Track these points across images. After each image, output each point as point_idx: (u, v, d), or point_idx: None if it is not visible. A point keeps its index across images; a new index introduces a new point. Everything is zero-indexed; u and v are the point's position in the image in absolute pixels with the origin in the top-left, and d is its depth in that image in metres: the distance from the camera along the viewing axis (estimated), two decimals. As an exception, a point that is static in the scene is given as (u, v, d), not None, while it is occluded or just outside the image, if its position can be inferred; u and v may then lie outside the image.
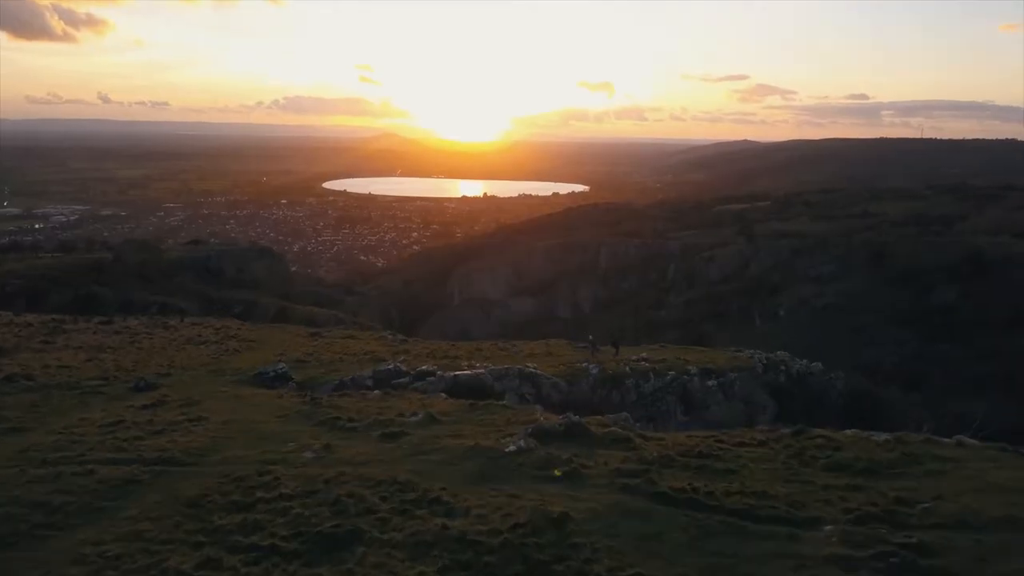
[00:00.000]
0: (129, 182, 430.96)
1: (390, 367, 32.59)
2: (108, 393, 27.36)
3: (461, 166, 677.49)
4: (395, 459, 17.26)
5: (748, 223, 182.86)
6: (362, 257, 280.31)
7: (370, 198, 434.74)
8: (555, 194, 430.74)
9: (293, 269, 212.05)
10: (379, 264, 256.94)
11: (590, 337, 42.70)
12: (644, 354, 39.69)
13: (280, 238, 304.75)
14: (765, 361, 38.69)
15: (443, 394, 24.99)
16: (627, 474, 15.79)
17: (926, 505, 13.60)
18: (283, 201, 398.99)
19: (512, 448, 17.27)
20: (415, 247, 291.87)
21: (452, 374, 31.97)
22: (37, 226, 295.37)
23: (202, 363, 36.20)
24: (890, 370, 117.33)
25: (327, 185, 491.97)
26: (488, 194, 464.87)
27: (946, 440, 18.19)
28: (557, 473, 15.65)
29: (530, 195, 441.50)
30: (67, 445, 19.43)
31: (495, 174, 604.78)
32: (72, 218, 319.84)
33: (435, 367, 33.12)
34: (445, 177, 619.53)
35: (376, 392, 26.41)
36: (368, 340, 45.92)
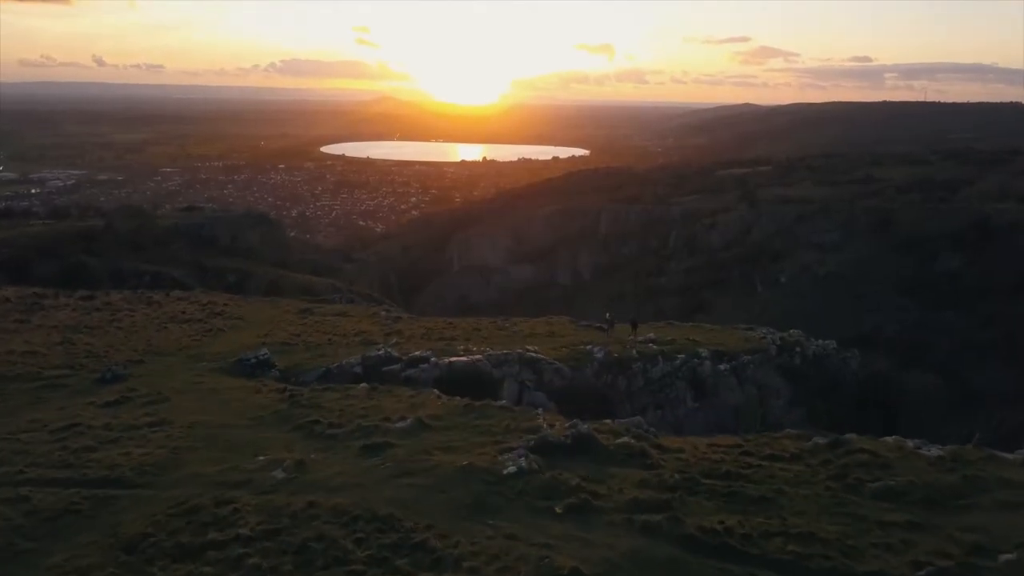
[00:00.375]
0: (126, 146, 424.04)
1: (380, 353, 30.11)
2: (71, 386, 24.90)
3: (460, 129, 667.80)
4: (376, 482, 14.82)
5: (750, 188, 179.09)
6: (360, 222, 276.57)
7: (368, 162, 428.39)
8: (555, 158, 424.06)
9: (292, 235, 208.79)
10: (378, 229, 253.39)
11: (608, 315, 39.95)
12: (651, 334, 37.17)
13: (278, 203, 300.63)
14: (779, 342, 36.24)
15: (435, 391, 22.54)
16: (646, 507, 13.37)
17: (1009, 556, 11.21)
18: (281, 166, 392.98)
19: (511, 469, 14.82)
20: (414, 212, 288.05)
21: (447, 360, 29.51)
22: (34, 191, 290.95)
23: (181, 346, 33.70)
24: (893, 338, 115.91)
25: (325, 149, 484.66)
26: (487, 158, 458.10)
27: (1009, 457, 15.74)
28: (559, 511, 13.19)
29: (530, 159, 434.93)
30: (7, 458, 17.00)
31: (494, 137, 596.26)
32: (69, 183, 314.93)
33: (429, 352, 30.65)
34: (444, 141, 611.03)
35: (363, 386, 23.94)
36: (360, 318, 43.36)
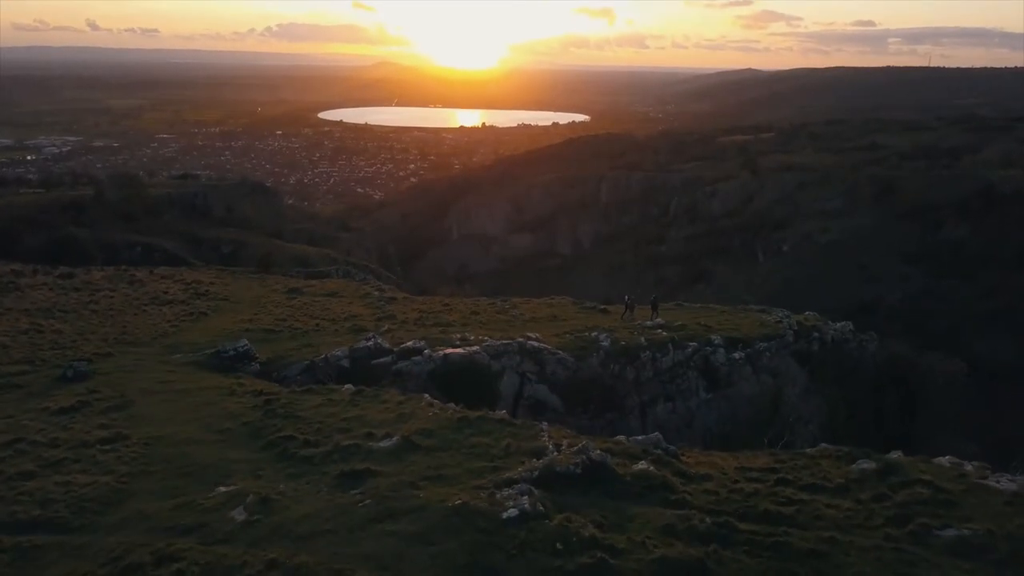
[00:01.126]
0: (121, 112, 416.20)
1: (369, 343, 27.56)
2: (27, 387, 22.38)
3: (459, 94, 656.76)
4: (352, 528, 12.35)
5: (752, 156, 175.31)
6: (359, 190, 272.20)
7: (366, 128, 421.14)
8: (555, 124, 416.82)
9: (289, 202, 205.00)
10: (376, 197, 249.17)
11: (627, 297, 37.37)
12: (659, 319, 34.60)
13: (276, 170, 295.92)
14: (795, 327, 33.70)
15: (426, 397, 20.01)
16: (677, 567, 10.91)
17: None
18: (278, 132, 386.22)
19: (512, 512, 12.36)
20: (412, 179, 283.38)
21: (442, 353, 26.98)
22: (29, 158, 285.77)
23: (157, 333, 31.15)
24: (894, 307, 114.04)
25: (323, 115, 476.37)
26: (486, 124, 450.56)
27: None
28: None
29: (529, 125, 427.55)
30: (-71, 488, 14.51)
31: (493, 103, 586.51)
32: (64, 149, 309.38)
33: (422, 342, 28.11)
34: (442, 106, 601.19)
35: (347, 388, 21.42)
36: (351, 299, 40.73)
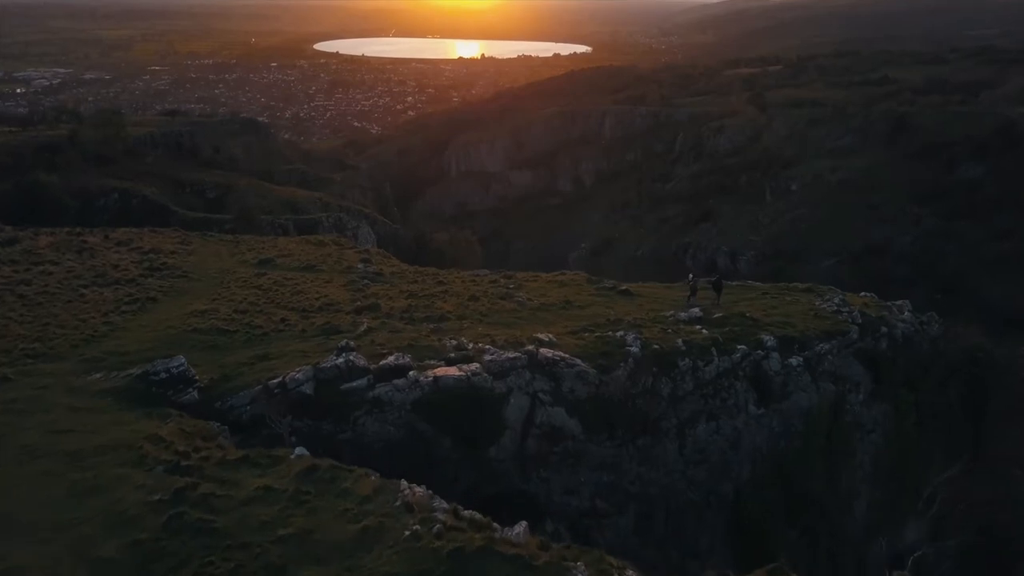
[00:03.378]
0: (112, 43, 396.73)
1: (340, 361, 21.04)
2: None
3: (457, 25, 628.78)
4: None
5: (759, 90, 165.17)
6: (356, 124, 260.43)
7: (363, 60, 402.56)
8: (556, 55, 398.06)
9: (286, 136, 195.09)
10: (373, 131, 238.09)
11: (690, 276, 31.28)
12: (696, 308, 28.00)
13: (271, 103, 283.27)
14: (860, 321, 27.14)
15: (403, 492, 13.63)
16: None
17: None
18: (273, 64, 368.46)
19: None
20: (410, 113, 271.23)
21: (431, 376, 20.55)
22: (19, 91, 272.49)
23: (82, 335, 24.63)
24: (905, 249, 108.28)
25: (318, 46, 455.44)
26: (485, 55, 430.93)
27: None
28: None
29: (530, 56, 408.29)
30: None
31: (493, 33, 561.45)
32: (55, 82, 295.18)
33: (406, 357, 21.63)
34: (441, 37, 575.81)
35: (296, 457, 15.12)
36: (331, 275, 33.91)
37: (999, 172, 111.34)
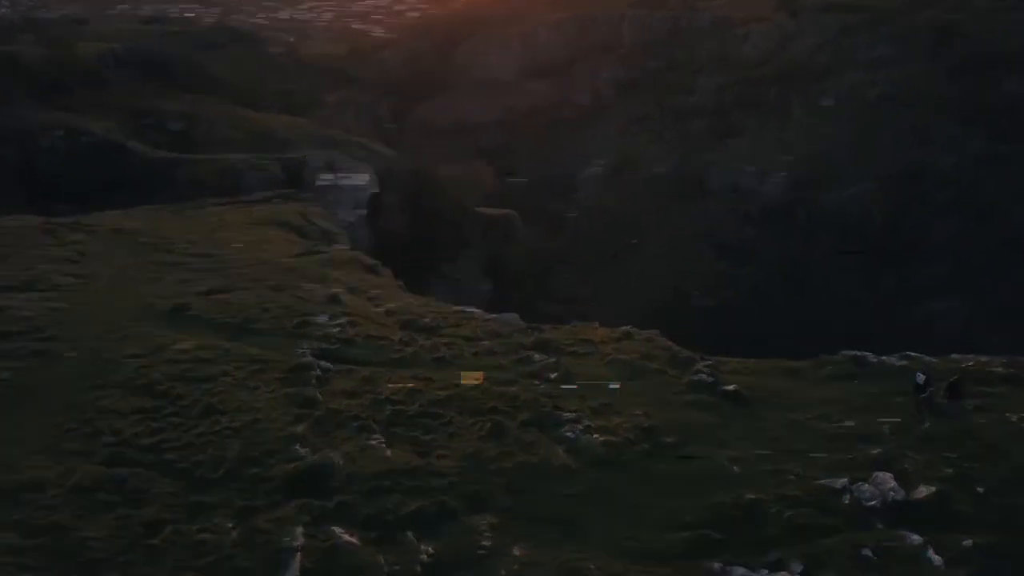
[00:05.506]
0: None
1: None
2: None
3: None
4: None
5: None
6: (355, 26, 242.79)
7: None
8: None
9: (289, 40, 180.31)
10: (375, 34, 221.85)
11: (921, 377, 20.21)
12: (926, 422, 17.35)
13: (267, 4, 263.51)
14: None
15: None
16: None
17: None
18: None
19: None
20: (412, 14, 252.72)
21: None
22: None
23: None
24: (946, 173, 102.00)
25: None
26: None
27: None
28: None
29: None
30: None
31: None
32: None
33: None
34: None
35: None
36: (269, 351, 23.42)
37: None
